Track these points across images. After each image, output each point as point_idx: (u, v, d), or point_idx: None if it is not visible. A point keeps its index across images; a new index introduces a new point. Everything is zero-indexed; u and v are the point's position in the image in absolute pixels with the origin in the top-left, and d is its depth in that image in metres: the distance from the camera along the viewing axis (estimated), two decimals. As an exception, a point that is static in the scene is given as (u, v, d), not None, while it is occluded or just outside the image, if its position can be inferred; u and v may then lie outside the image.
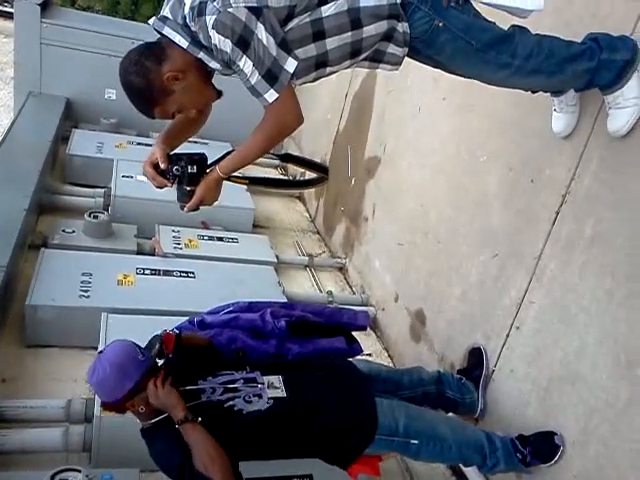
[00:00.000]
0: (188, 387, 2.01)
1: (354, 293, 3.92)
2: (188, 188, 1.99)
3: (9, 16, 8.76)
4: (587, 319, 2.13)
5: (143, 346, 2.02)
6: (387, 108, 3.89)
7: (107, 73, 5.39)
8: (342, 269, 4.21)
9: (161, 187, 2.06)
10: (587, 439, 2.07)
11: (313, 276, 4.06)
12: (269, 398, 2.01)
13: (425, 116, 3.39)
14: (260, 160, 5.57)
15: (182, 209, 2.07)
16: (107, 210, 3.95)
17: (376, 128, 4.00)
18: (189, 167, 1.98)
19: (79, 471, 2.06)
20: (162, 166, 1.99)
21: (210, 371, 2.13)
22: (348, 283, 4.09)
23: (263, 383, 2.08)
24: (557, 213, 2.31)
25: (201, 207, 2.05)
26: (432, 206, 3.21)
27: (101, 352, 1.96)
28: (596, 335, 2.08)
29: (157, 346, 1.99)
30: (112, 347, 1.94)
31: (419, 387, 2.49)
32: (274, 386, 2.08)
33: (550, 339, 2.28)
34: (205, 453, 1.80)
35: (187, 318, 2.62)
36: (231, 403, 1.98)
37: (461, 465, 2.47)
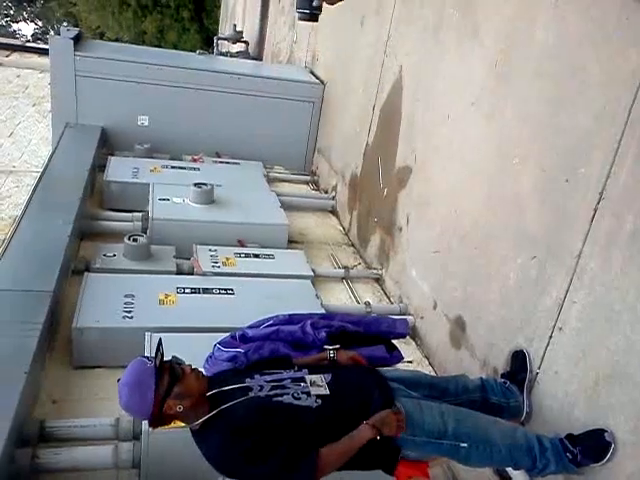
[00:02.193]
0: (235, 385, 2.04)
1: (392, 303, 3.91)
2: None
3: (43, 52, 9.11)
4: (632, 317, 2.09)
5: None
6: (415, 117, 3.90)
7: (139, 100, 5.62)
8: (379, 280, 4.21)
9: None
10: (639, 439, 2.02)
11: (350, 288, 4.07)
12: (316, 396, 2.02)
13: (454, 123, 3.39)
14: (292, 177, 5.69)
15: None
16: (145, 233, 4.04)
17: (405, 138, 4.01)
18: None
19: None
20: None
21: (258, 369, 2.15)
22: (385, 293, 4.08)
23: (308, 382, 2.09)
24: (595, 210, 2.28)
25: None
26: (466, 211, 3.20)
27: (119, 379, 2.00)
28: (642, 331, 2.04)
29: (160, 350, 1.98)
30: (125, 371, 1.97)
31: (464, 395, 2.47)
32: (317, 384, 2.09)
33: (595, 339, 2.24)
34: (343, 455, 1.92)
35: (229, 334, 2.67)
36: (279, 399, 1.99)
37: (509, 470, 2.43)
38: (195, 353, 2.60)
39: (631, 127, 2.16)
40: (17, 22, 22.52)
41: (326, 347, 2.37)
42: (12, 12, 22.11)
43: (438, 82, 3.60)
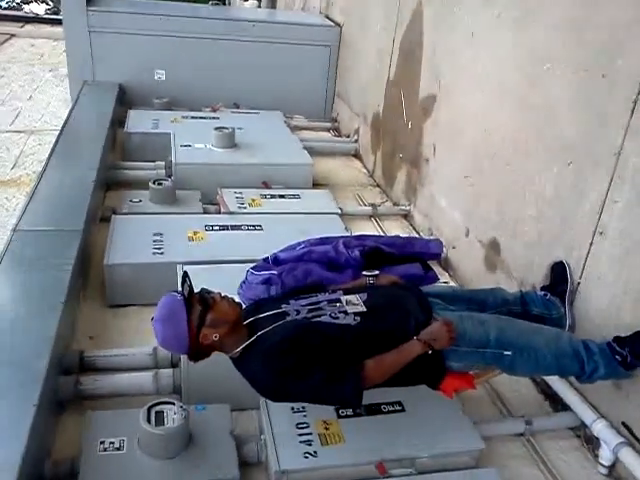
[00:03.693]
0: (271, 312, 2.02)
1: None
2: None
3: (56, 22, 9.07)
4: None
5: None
6: (438, 42, 3.79)
7: (154, 54, 5.55)
8: (407, 216, 4.15)
9: None
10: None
11: (378, 225, 4.02)
12: (354, 314, 1.99)
13: (480, 39, 3.28)
14: (313, 124, 5.60)
15: None
16: (170, 178, 4.01)
17: (428, 65, 3.90)
18: None
19: (173, 403, 2.10)
20: None
21: (292, 296, 2.12)
22: (414, 228, 4.02)
23: (344, 302, 2.05)
24: (635, 102, 2.18)
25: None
26: (496, 129, 3.10)
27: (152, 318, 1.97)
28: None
29: (187, 282, 1.96)
30: (156, 308, 1.95)
31: (504, 306, 2.41)
32: (352, 303, 2.05)
33: (636, 236, 2.16)
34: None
35: (261, 258, 2.65)
36: (318, 320, 1.96)
37: (550, 381, 2.37)
38: (227, 283, 2.60)
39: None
40: (28, 3, 22.43)
41: (365, 273, 2.32)
42: (22, -10, 22.03)
43: (458, 3, 3.48)
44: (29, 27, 9.21)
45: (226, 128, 4.36)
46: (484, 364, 2.12)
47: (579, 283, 2.47)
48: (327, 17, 6.15)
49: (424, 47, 3.96)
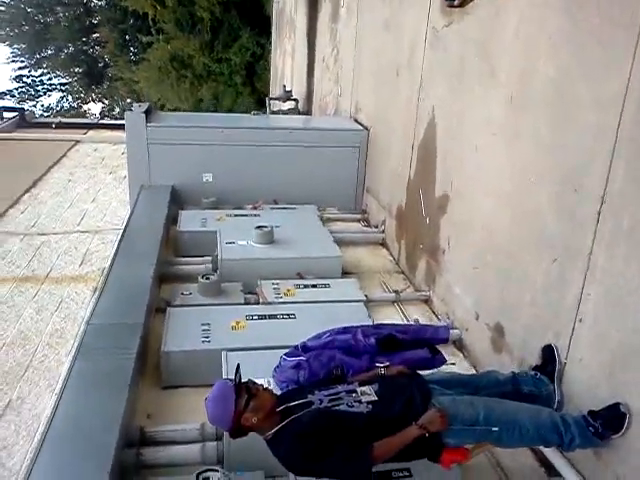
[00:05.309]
0: (299, 401, 2.46)
1: (439, 320, 4.26)
2: None
3: (115, 127, 10.15)
4: (637, 300, 2.41)
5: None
6: (448, 150, 4.34)
7: (203, 160, 6.30)
8: (427, 301, 4.57)
9: None
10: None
11: (401, 309, 4.45)
12: (367, 402, 2.42)
13: (482, 152, 3.81)
14: (344, 216, 6.14)
15: None
16: (216, 272, 4.58)
17: (442, 169, 4.44)
18: None
19: (217, 470, 2.55)
20: None
21: (317, 387, 2.57)
22: (434, 312, 4.44)
23: (359, 392, 2.49)
24: (599, 214, 2.64)
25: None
26: (497, 229, 3.57)
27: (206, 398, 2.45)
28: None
29: (239, 372, 2.43)
30: (211, 390, 2.43)
31: (495, 388, 2.79)
32: (366, 393, 2.49)
33: (608, 324, 2.56)
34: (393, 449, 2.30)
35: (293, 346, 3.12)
36: (337, 408, 2.40)
37: (544, 451, 2.71)
38: (264, 367, 3.11)
39: (620, 143, 2.53)
40: (87, 103, 24.57)
41: (377, 365, 2.76)
42: (82, 94, 24.15)
43: (465, 118, 4.04)
44: (91, 133, 10.28)
45: (265, 226, 4.94)
46: (476, 440, 2.48)
47: (565, 363, 2.85)
48: (356, 120, 6.84)
49: (438, 153, 4.51)
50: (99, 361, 3.24)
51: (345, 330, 3.13)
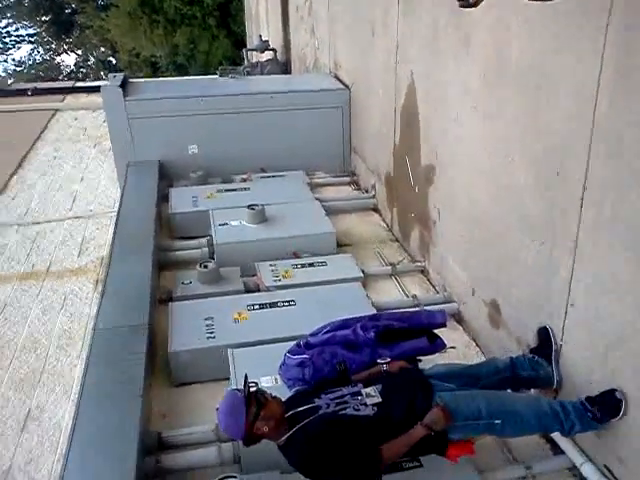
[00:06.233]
0: (307, 406, 2.56)
1: (437, 293, 4.35)
2: None
3: (92, 90, 9.80)
4: (625, 286, 2.47)
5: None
6: (430, 118, 4.30)
7: (185, 131, 6.21)
8: (423, 271, 4.65)
9: None
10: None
11: (399, 283, 4.53)
12: (372, 405, 2.53)
13: (461, 124, 3.78)
14: (333, 180, 6.15)
15: None
16: (213, 257, 4.63)
17: (426, 138, 4.41)
18: None
19: (235, 477, 2.70)
20: None
21: (322, 390, 2.67)
22: (431, 284, 4.52)
23: (364, 394, 2.59)
24: (582, 199, 2.67)
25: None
26: (480, 205, 3.61)
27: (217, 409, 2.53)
28: (632, 300, 2.43)
29: (248, 382, 2.50)
30: (221, 401, 2.51)
31: (495, 376, 2.91)
32: (371, 395, 2.59)
33: (597, 310, 2.65)
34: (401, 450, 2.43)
35: (295, 342, 3.21)
36: (344, 412, 2.50)
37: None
38: (270, 362, 3.21)
39: (598, 126, 2.53)
40: (59, 54, 23.77)
41: (379, 361, 2.84)
42: (53, 46, 23.33)
43: (443, 87, 3.99)
44: (69, 99, 10.03)
45: (257, 205, 4.95)
46: (479, 433, 2.61)
47: (561, 345, 2.96)
48: (337, 77, 6.71)
49: (420, 120, 4.47)
50: (110, 370, 3.32)
51: (344, 324, 3.21)
